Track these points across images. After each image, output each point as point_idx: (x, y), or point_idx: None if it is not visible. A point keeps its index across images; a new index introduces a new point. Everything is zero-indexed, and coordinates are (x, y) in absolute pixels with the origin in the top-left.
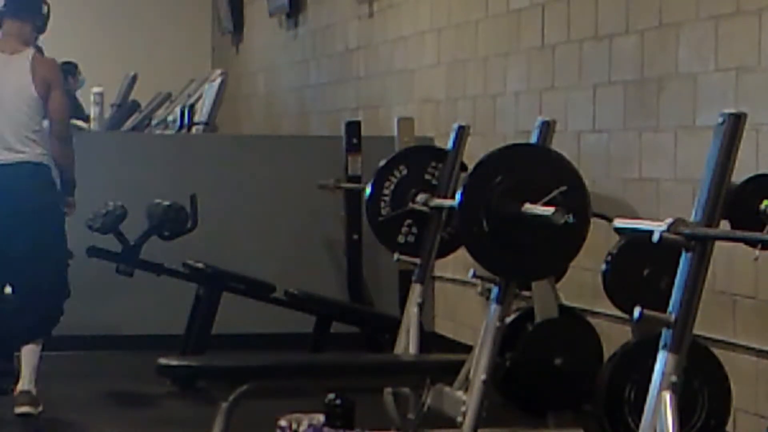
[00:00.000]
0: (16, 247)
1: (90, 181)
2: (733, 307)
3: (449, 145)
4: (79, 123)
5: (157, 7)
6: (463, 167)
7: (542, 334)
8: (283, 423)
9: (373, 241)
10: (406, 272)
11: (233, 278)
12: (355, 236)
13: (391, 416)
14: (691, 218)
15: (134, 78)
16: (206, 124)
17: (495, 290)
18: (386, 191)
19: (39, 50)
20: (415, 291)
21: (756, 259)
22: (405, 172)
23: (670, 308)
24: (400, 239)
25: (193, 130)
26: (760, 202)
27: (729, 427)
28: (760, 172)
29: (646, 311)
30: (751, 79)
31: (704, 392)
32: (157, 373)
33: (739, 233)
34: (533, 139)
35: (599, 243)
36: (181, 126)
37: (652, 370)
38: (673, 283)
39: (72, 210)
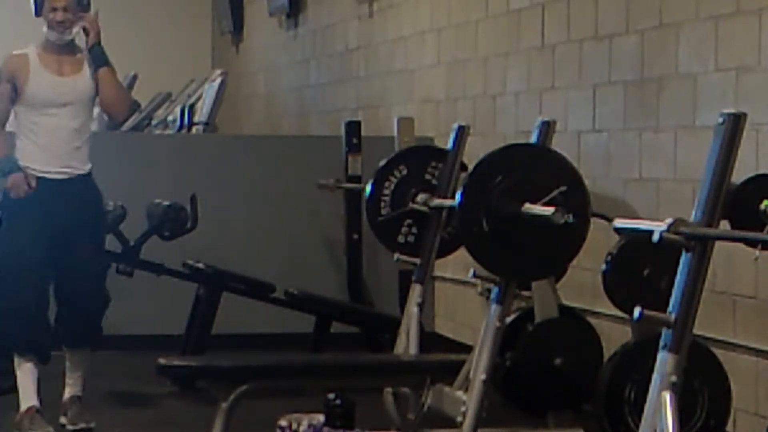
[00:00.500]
0: (68, 260)
1: None
2: (733, 307)
3: (449, 145)
4: None
5: (157, 7)
6: (463, 167)
7: (542, 334)
8: (283, 423)
9: (373, 241)
10: (406, 272)
11: (233, 278)
12: (355, 236)
13: (391, 416)
14: (691, 218)
15: (134, 78)
16: (206, 124)
17: (495, 290)
18: (386, 191)
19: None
20: (415, 291)
21: (756, 259)
22: (405, 172)
23: (670, 308)
24: (400, 239)
25: (193, 130)
26: (760, 202)
27: (729, 427)
28: (760, 172)
29: (646, 311)
30: (751, 79)
31: (704, 392)
32: (157, 373)
33: (739, 233)
34: (533, 139)
35: (599, 243)
36: (181, 126)
37: (652, 370)
38: (673, 283)
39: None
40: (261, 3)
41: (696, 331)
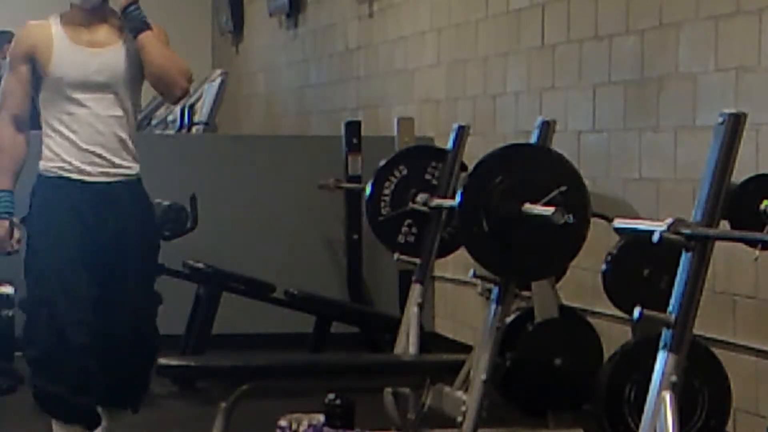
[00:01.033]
0: (115, 284)
1: None
2: (733, 307)
3: (449, 145)
4: None
5: (157, 7)
6: (463, 167)
7: (542, 334)
8: (283, 423)
9: (373, 241)
10: (406, 272)
11: (233, 278)
12: (355, 236)
13: (391, 416)
14: (691, 218)
15: None
16: (206, 124)
17: (495, 290)
18: (386, 191)
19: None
20: (415, 291)
21: (756, 259)
22: (405, 172)
23: (670, 308)
24: (400, 239)
25: (193, 130)
26: (760, 202)
27: (729, 427)
28: (760, 172)
29: (646, 311)
30: (751, 79)
31: (704, 392)
32: (157, 373)
33: (739, 233)
34: (533, 139)
35: (599, 243)
36: (181, 126)
37: (652, 370)
38: (673, 283)
39: None
40: (261, 3)
41: (696, 331)
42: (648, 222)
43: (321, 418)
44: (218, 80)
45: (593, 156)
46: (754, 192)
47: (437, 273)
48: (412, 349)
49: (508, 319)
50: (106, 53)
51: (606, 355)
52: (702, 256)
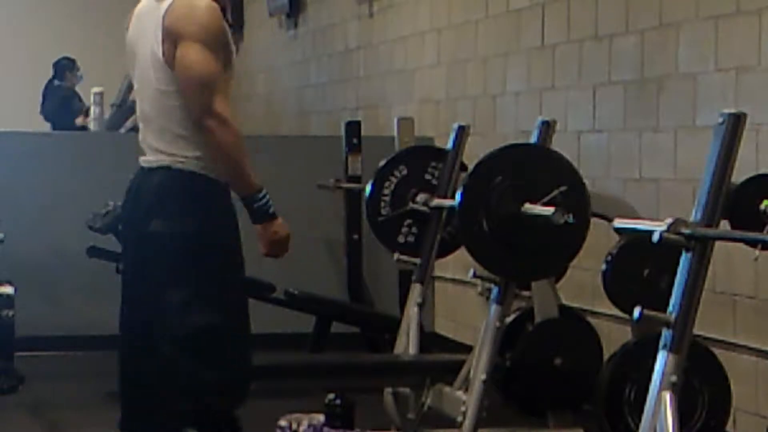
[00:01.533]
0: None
1: (90, 181)
2: (733, 307)
3: (449, 145)
4: (80, 120)
5: None
6: (463, 167)
7: (542, 334)
8: (283, 423)
9: (373, 241)
10: (406, 272)
11: None
12: (355, 236)
13: (391, 416)
14: (691, 218)
15: None
16: None
17: (495, 290)
18: (386, 191)
19: None
20: (415, 291)
21: (756, 259)
22: (405, 172)
23: (670, 308)
24: (400, 239)
25: None
26: (760, 202)
27: (729, 427)
28: (760, 172)
29: (646, 311)
30: (751, 79)
31: (704, 392)
32: None
33: (739, 233)
34: (533, 139)
35: (599, 243)
36: None
37: (652, 370)
38: (673, 283)
39: (266, 244)
40: (261, 3)
41: (696, 331)
42: (648, 222)
43: (321, 418)
44: None
45: (593, 156)
46: (754, 192)
47: (437, 273)
48: (412, 349)
49: (508, 319)
50: None
51: (606, 355)
52: (702, 256)
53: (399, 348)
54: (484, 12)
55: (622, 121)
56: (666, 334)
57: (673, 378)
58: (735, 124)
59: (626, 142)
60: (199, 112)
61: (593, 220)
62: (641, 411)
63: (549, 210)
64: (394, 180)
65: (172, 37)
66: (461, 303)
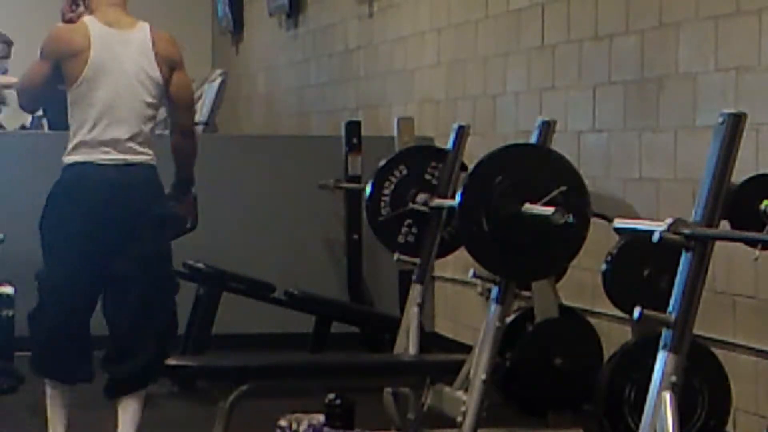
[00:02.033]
0: (120, 268)
1: None
2: (733, 307)
3: (449, 145)
4: None
5: (157, 7)
6: (463, 167)
7: (542, 334)
8: (283, 423)
9: (373, 241)
10: (406, 272)
11: (233, 278)
12: (355, 236)
13: (391, 416)
14: (691, 218)
15: None
16: (206, 124)
17: (495, 290)
18: (386, 191)
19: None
20: (415, 291)
21: (756, 259)
22: (405, 172)
23: (670, 308)
24: (400, 239)
25: None
26: (760, 202)
27: (729, 427)
28: (760, 172)
29: (646, 311)
30: (751, 79)
31: (704, 392)
32: None
33: (739, 233)
34: (533, 139)
35: (599, 243)
36: None
37: (652, 370)
38: (673, 283)
39: (191, 215)
40: (261, 3)
41: (696, 331)
42: (648, 222)
43: (321, 418)
44: (218, 80)
45: (593, 156)
46: (754, 192)
47: (437, 273)
48: (412, 349)
49: (508, 319)
50: None
51: (606, 355)
52: (702, 256)
53: (399, 348)
54: (484, 12)
55: (622, 121)
56: (666, 334)
57: (673, 378)
58: (735, 124)
59: (626, 142)
60: (189, 122)
61: (593, 220)
62: (641, 411)
63: (549, 210)
64: (394, 180)
65: (169, 64)
66: (461, 303)
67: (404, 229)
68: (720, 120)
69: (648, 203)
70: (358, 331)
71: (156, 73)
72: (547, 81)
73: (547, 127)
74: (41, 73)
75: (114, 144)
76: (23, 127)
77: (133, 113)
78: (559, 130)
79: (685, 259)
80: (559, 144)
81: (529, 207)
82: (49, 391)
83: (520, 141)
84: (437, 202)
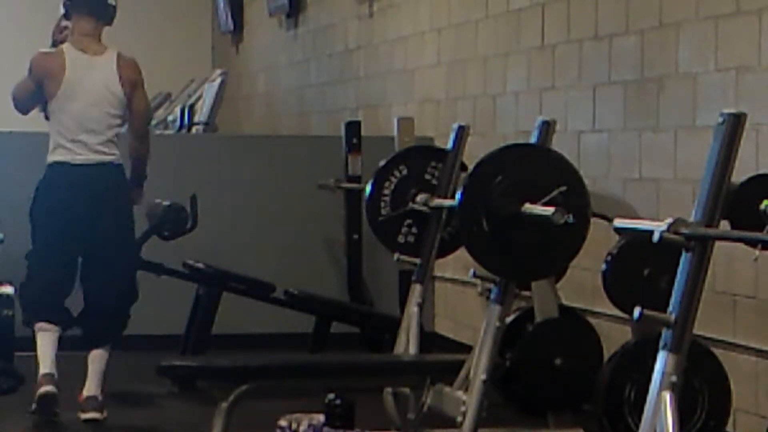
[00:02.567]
0: (91, 248)
1: None
2: (733, 307)
3: (449, 145)
4: None
5: (157, 7)
6: (463, 167)
7: (542, 334)
8: (283, 423)
9: (373, 241)
10: (406, 272)
11: (233, 278)
12: (355, 236)
13: (391, 416)
14: (691, 218)
15: None
16: (206, 124)
17: (495, 290)
18: (386, 191)
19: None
20: (415, 291)
21: (756, 259)
22: (405, 172)
23: (670, 308)
24: (400, 239)
25: (193, 130)
26: (760, 202)
27: (729, 427)
28: (760, 172)
29: (646, 311)
30: (751, 79)
31: (704, 392)
32: (157, 373)
33: (739, 233)
34: (533, 139)
35: (599, 243)
36: (181, 126)
37: (652, 370)
38: (673, 283)
39: (141, 200)
40: (261, 3)
41: (696, 331)
42: (648, 222)
43: (321, 418)
44: (218, 80)
45: (593, 156)
46: (754, 192)
47: (437, 273)
48: (412, 349)
49: (508, 319)
50: None
51: (606, 355)
52: (702, 256)
53: (399, 348)
54: (484, 12)
55: (622, 121)
56: (666, 334)
57: (673, 378)
58: (735, 124)
59: (626, 142)
60: (143, 128)
61: (593, 220)
62: (641, 411)
63: (549, 210)
64: (394, 180)
65: (130, 84)
66: (461, 303)
67: (404, 229)
68: (720, 120)
69: (648, 203)
70: (358, 331)
71: (118, 90)
72: (547, 81)
73: (547, 127)
74: (27, 89)
75: (85, 146)
76: None
77: (101, 122)
78: (559, 130)
79: (685, 259)
80: (559, 144)
81: (529, 207)
82: (38, 335)
83: (520, 141)
84: (437, 202)
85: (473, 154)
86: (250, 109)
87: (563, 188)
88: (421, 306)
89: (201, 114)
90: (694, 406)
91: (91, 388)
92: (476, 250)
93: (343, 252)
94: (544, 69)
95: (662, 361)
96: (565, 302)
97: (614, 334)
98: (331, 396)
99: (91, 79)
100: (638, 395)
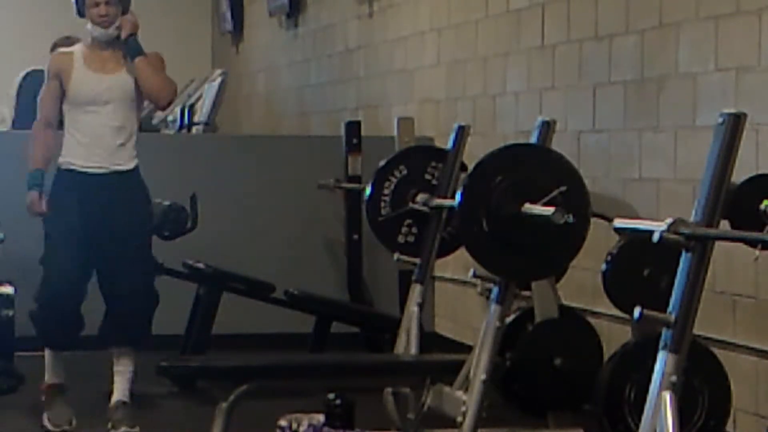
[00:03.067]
0: (107, 247)
1: None
2: (733, 307)
3: (449, 145)
4: None
5: (157, 7)
6: (463, 167)
7: (542, 334)
8: (283, 423)
9: (373, 241)
10: (406, 272)
11: (233, 278)
12: (355, 236)
13: (391, 416)
14: (691, 218)
15: None
16: (206, 124)
17: (495, 290)
18: (386, 191)
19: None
20: (415, 291)
21: (756, 259)
22: (405, 172)
23: (670, 308)
24: (400, 239)
25: (193, 130)
26: (760, 202)
27: (729, 427)
28: (760, 172)
29: (646, 311)
30: (751, 79)
31: (704, 392)
32: (157, 373)
33: (739, 233)
34: (533, 139)
35: (599, 243)
36: (181, 126)
37: (652, 370)
38: (673, 283)
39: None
40: (261, 3)
41: (696, 331)
42: (648, 222)
43: (321, 418)
44: (218, 80)
45: (593, 156)
46: (754, 192)
47: (437, 273)
48: (412, 349)
49: (508, 319)
50: (111, 78)
51: (606, 355)
52: (702, 256)
53: (399, 348)
54: (484, 12)
55: (622, 121)
56: (666, 334)
57: (673, 378)
58: (735, 124)
59: (626, 142)
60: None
61: (593, 220)
62: (641, 411)
63: (549, 210)
64: (394, 180)
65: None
66: (461, 303)
67: (404, 229)
68: (720, 120)
69: (648, 203)
70: (358, 331)
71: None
72: (547, 81)
73: (547, 127)
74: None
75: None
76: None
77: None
78: (559, 130)
79: (685, 259)
80: (559, 144)
81: (529, 207)
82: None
83: (520, 141)
84: (437, 202)
85: (473, 154)
86: (250, 109)
87: (563, 188)
88: (421, 306)
89: (201, 114)
90: (694, 406)
91: (119, 393)
92: (476, 250)
93: (343, 252)
94: (544, 69)
95: (662, 361)
96: (565, 302)
97: (614, 334)
98: (331, 396)
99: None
100: (638, 395)
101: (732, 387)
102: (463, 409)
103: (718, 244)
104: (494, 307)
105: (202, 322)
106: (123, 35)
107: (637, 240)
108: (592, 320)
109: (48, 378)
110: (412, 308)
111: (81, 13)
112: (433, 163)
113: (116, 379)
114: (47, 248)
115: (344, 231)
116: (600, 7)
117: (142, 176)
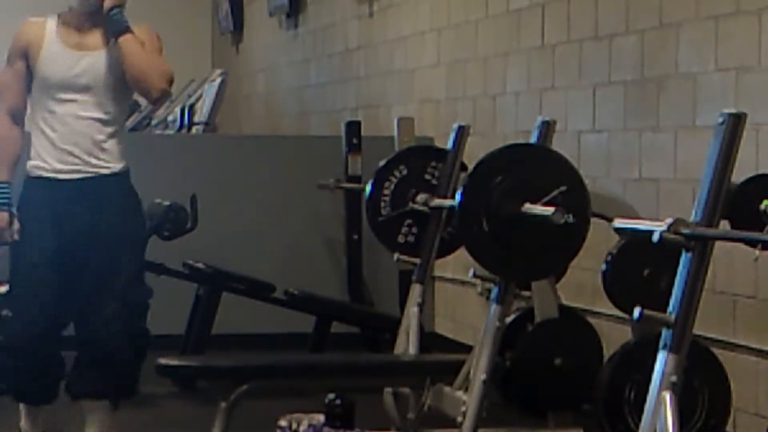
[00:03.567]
0: (87, 277)
1: None
2: (733, 307)
3: (449, 145)
4: None
5: (157, 7)
6: (463, 167)
7: (542, 334)
8: (283, 423)
9: (373, 241)
10: (406, 272)
11: (233, 278)
12: (355, 236)
13: (391, 416)
14: (691, 218)
15: None
16: (206, 124)
17: (495, 290)
18: (386, 191)
19: None
20: (415, 291)
21: (756, 259)
22: (405, 172)
23: (670, 308)
24: (400, 239)
25: (193, 130)
26: (760, 202)
27: (729, 427)
28: (760, 172)
29: (646, 311)
30: (751, 79)
31: (704, 392)
32: (157, 373)
33: (739, 233)
34: (533, 139)
35: (599, 243)
36: (181, 126)
37: (652, 370)
38: (673, 283)
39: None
40: (261, 3)
41: (696, 331)
42: (648, 222)
43: (321, 418)
44: (218, 80)
45: (593, 156)
46: (754, 192)
47: (437, 273)
48: (412, 349)
49: (508, 319)
50: (91, 56)
51: (606, 355)
52: (702, 256)
53: (399, 348)
54: (484, 12)
55: (622, 121)
56: (666, 334)
57: (673, 378)
58: (735, 124)
59: (626, 142)
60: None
61: (593, 220)
62: (641, 411)
63: (549, 210)
64: (394, 180)
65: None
66: (461, 303)
67: (404, 229)
68: (720, 120)
69: (648, 203)
70: (358, 331)
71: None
72: (547, 81)
73: (547, 127)
74: None
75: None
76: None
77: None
78: (559, 130)
79: (685, 259)
80: (559, 144)
81: (529, 207)
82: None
83: (520, 141)
84: (437, 202)
85: (473, 154)
86: (250, 109)
87: (563, 188)
88: (421, 306)
89: (201, 114)
90: (694, 406)
91: None
92: (476, 250)
93: (343, 252)
94: (544, 69)
95: (662, 361)
96: (565, 302)
97: (614, 334)
98: (331, 396)
99: None
100: (638, 395)
101: (732, 387)
102: (463, 409)
103: (718, 244)
104: (494, 307)
105: (202, 322)
106: (106, 5)
107: (637, 240)
108: (592, 320)
109: (24, 426)
110: (412, 308)
111: None
112: (433, 163)
113: None
114: (14, 282)
115: (344, 231)
116: (600, 7)
117: (132, 181)
